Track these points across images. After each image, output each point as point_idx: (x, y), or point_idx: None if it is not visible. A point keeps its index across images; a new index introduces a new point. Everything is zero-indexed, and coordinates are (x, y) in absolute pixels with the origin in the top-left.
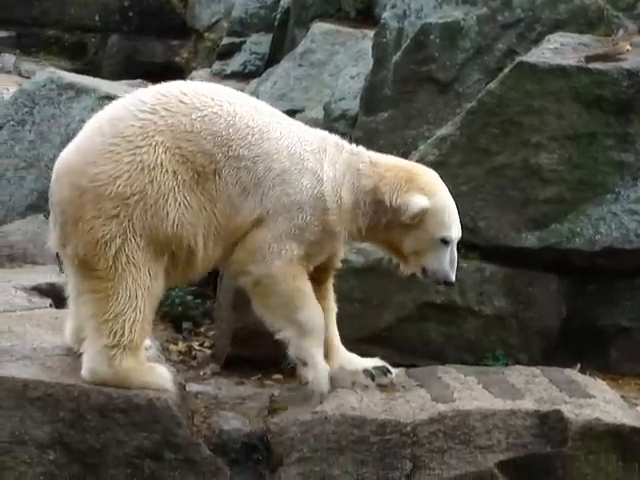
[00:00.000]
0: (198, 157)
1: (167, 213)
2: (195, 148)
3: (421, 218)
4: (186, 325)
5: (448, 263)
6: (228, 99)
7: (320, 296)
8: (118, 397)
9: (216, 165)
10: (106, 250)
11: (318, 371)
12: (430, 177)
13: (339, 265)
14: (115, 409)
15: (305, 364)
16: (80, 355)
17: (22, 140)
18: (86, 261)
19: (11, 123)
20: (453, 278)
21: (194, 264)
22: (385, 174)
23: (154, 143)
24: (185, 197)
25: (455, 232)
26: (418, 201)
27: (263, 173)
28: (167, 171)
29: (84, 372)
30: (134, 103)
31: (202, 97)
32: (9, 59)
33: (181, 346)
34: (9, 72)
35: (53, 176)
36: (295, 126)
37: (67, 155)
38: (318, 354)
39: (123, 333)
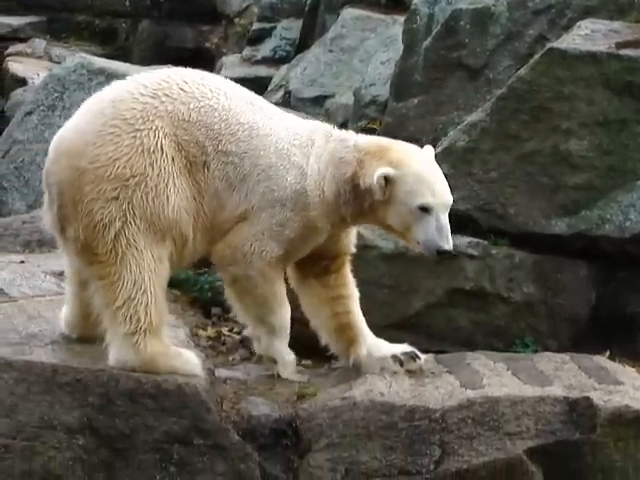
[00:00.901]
0: (191, 147)
1: (167, 197)
2: (189, 137)
3: (391, 191)
4: (215, 310)
5: (435, 231)
6: (226, 93)
7: (339, 284)
8: (147, 382)
9: (206, 157)
10: (105, 233)
11: (287, 366)
12: (402, 151)
13: (353, 250)
14: (144, 394)
15: (275, 362)
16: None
17: (52, 125)
18: (87, 245)
19: (41, 108)
20: (446, 246)
21: (183, 254)
22: (364, 158)
23: (154, 127)
24: (182, 184)
25: (434, 198)
26: (379, 171)
27: (249, 169)
28: (167, 156)
29: (112, 363)
30: (136, 86)
31: (202, 87)
32: (40, 44)
33: (210, 331)
34: (40, 57)
35: (51, 156)
36: (287, 121)
37: (66, 135)
38: (285, 350)
39: (139, 318)
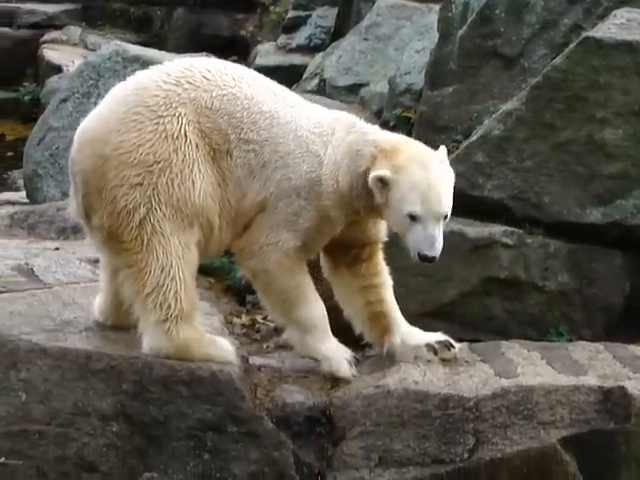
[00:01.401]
0: (214, 135)
1: (193, 183)
2: (212, 125)
3: (387, 195)
4: (250, 298)
5: (421, 239)
6: (248, 82)
7: (370, 272)
8: (181, 369)
9: (229, 145)
10: (130, 220)
11: (331, 360)
12: (409, 155)
13: (384, 238)
14: (178, 381)
15: (317, 360)
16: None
17: (87, 112)
18: (112, 232)
19: (76, 95)
20: (428, 252)
21: (210, 244)
22: (377, 155)
23: (177, 114)
24: (207, 171)
25: (422, 207)
26: (375, 173)
27: (269, 156)
28: (191, 142)
29: (146, 351)
30: (159, 74)
31: (225, 76)
32: (75, 31)
33: (244, 319)
34: (75, 45)
35: (75, 145)
36: (310, 110)
37: (90, 124)
38: (325, 344)
39: (169, 305)
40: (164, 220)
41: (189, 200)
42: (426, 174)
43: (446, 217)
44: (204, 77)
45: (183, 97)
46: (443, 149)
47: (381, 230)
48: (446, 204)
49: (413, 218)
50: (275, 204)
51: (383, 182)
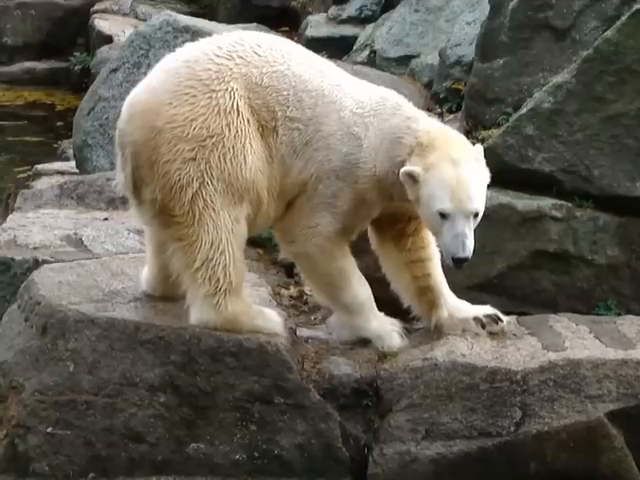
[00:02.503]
0: (263, 111)
1: (245, 158)
2: (261, 102)
3: (418, 192)
4: (298, 270)
5: (451, 239)
6: (297, 59)
7: (417, 247)
8: (229, 341)
9: (275, 122)
10: (182, 194)
11: (383, 336)
12: (444, 151)
13: None
14: (226, 352)
15: (368, 339)
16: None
17: (137, 83)
18: (164, 206)
19: (127, 65)
20: (460, 254)
21: (258, 219)
22: (415, 147)
23: (230, 89)
24: (258, 146)
25: (452, 205)
26: (405, 169)
27: (312, 135)
28: (243, 117)
29: (194, 322)
30: (211, 47)
31: (274, 52)
32: (126, 1)
33: (293, 291)
34: (126, 14)
35: (124, 116)
36: (356, 88)
37: (140, 96)
38: (372, 323)
39: (218, 279)
40: (215, 194)
41: (240, 175)
42: (456, 171)
43: (477, 215)
44: (255, 52)
45: (235, 72)
46: (479, 147)
47: None
48: (477, 201)
49: (443, 216)
50: (316, 185)
51: (413, 179)
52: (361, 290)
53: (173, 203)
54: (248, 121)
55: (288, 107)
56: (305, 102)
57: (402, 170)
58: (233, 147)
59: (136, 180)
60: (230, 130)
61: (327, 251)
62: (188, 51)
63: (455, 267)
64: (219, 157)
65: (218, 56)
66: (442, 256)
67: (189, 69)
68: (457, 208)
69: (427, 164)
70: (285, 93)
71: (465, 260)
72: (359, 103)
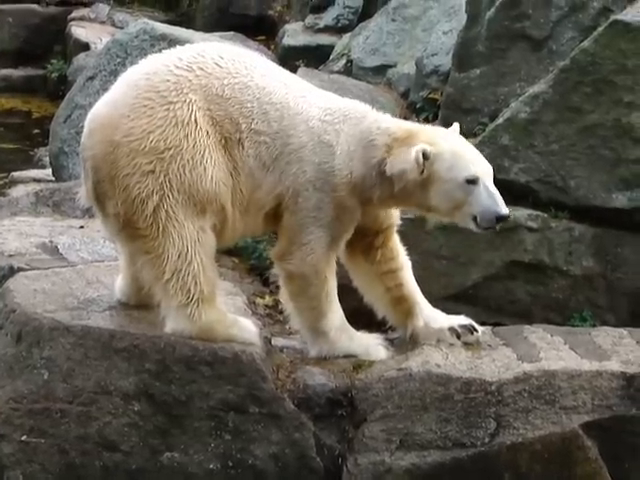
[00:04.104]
0: (226, 123)
1: (205, 169)
2: (223, 113)
3: (430, 169)
4: (273, 279)
5: (489, 199)
6: (261, 71)
7: (387, 258)
8: (204, 349)
9: (240, 135)
10: (144, 207)
11: (369, 351)
12: (430, 133)
13: (397, 222)
14: (201, 361)
15: (353, 356)
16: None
17: None
18: (128, 220)
19: (103, 73)
20: (503, 210)
21: (225, 231)
22: (392, 144)
23: (188, 100)
24: (219, 157)
25: (477, 169)
26: (417, 147)
27: (281, 149)
28: (201, 129)
29: (168, 332)
30: (171, 59)
31: (237, 64)
32: (103, 9)
33: (268, 300)
34: (103, 22)
35: (85, 130)
36: (322, 98)
37: (100, 109)
38: (355, 340)
39: (189, 289)
40: (177, 206)
41: (201, 186)
42: (460, 141)
43: None
44: (216, 64)
45: (194, 83)
46: (456, 126)
47: (393, 215)
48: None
49: (472, 182)
50: (295, 199)
51: (425, 156)
52: (338, 315)
53: (136, 216)
54: (208, 133)
55: (253, 119)
56: (270, 115)
57: (415, 150)
58: (192, 158)
59: (98, 194)
60: (188, 141)
61: (320, 272)
62: (149, 63)
63: (495, 226)
64: (178, 169)
65: (178, 67)
66: (475, 224)
67: (148, 81)
68: (483, 170)
69: (427, 142)
70: (249, 105)
71: (507, 217)
72: (326, 110)
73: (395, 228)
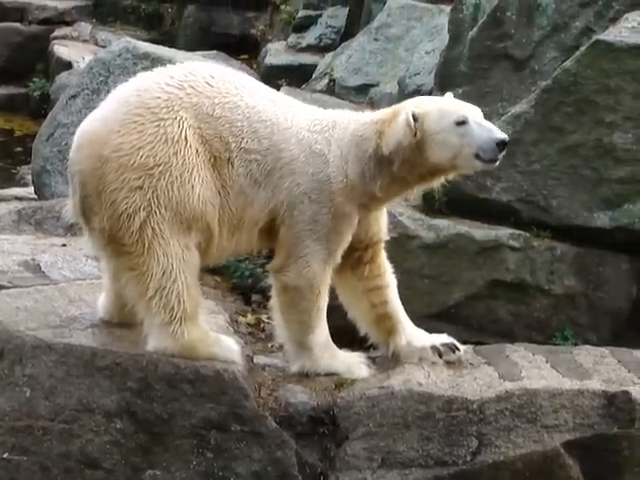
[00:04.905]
0: (215, 142)
1: (192, 187)
2: (213, 132)
3: (422, 128)
4: (255, 297)
5: (484, 130)
6: (250, 91)
7: (374, 274)
8: (186, 368)
9: (230, 154)
10: (130, 223)
11: (351, 369)
12: (413, 100)
13: (385, 238)
14: (183, 379)
15: (335, 374)
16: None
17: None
18: (113, 236)
19: (86, 92)
20: (501, 135)
21: (210, 249)
22: (381, 128)
23: (178, 117)
24: (207, 176)
25: (464, 111)
26: (406, 111)
27: (273, 164)
28: (191, 146)
29: (151, 350)
30: (162, 77)
31: (227, 84)
32: (85, 28)
33: (250, 318)
34: (85, 41)
35: (74, 145)
36: (308, 111)
37: (90, 124)
38: (338, 358)
39: (172, 307)
40: (164, 223)
41: (188, 204)
42: (442, 99)
43: None
44: (207, 83)
45: (185, 101)
46: (449, 94)
47: (382, 230)
48: None
49: (462, 123)
50: (290, 212)
51: (415, 118)
52: (325, 331)
53: (122, 232)
54: (197, 151)
55: (243, 138)
56: (260, 132)
57: (403, 114)
58: (180, 176)
59: (85, 209)
60: (177, 159)
61: (315, 287)
62: (140, 80)
63: (499, 155)
64: (166, 185)
65: (169, 85)
66: (480, 161)
67: (139, 98)
68: (469, 110)
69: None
70: (239, 124)
71: (507, 141)
72: (314, 121)
73: (383, 244)
